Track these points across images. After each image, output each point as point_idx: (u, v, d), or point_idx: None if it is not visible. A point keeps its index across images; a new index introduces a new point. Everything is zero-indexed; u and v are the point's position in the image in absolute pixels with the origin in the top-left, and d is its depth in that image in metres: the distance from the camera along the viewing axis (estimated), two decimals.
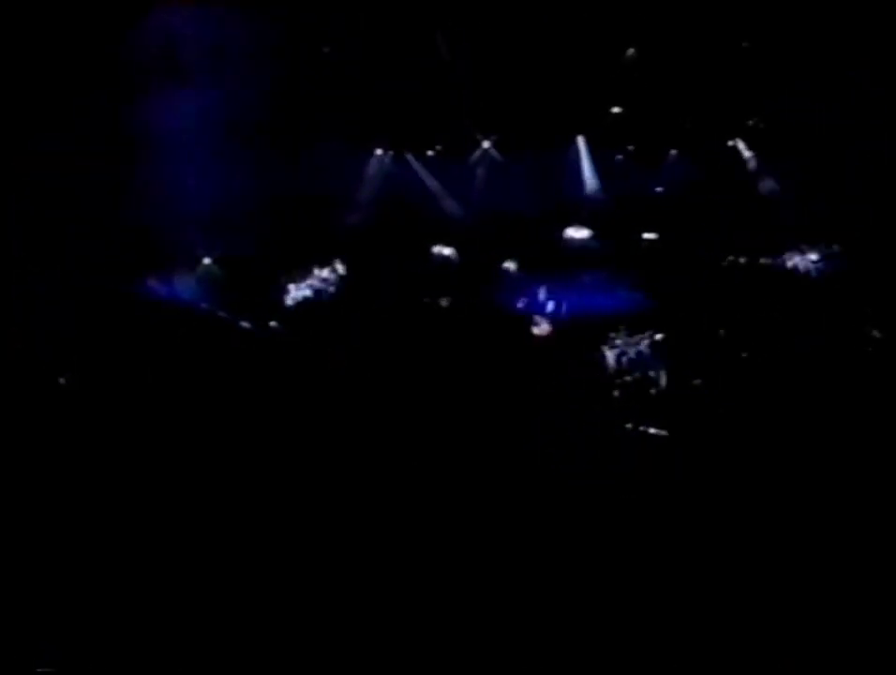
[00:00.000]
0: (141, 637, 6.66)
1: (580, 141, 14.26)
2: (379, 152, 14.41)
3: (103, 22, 12.30)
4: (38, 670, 6.15)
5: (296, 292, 13.61)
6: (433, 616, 6.79)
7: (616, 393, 11.38)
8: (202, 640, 6.60)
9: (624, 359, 12.02)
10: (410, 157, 14.32)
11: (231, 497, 8.77)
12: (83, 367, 11.58)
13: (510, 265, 13.83)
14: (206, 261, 13.75)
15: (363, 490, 8.82)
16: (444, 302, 13.42)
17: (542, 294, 13.10)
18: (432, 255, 14.16)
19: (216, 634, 6.66)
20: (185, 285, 13.38)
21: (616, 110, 14.06)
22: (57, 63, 12.31)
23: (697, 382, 11.87)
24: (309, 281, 13.68)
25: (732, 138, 14.37)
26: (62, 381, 11.62)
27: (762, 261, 13.85)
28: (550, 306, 12.96)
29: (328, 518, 8.25)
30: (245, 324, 12.94)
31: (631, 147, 14.32)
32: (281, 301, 13.56)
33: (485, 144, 14.38)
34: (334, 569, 7.46)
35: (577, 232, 14.11)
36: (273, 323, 13.18)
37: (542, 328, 12.52)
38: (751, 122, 14.08)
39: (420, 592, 7.12)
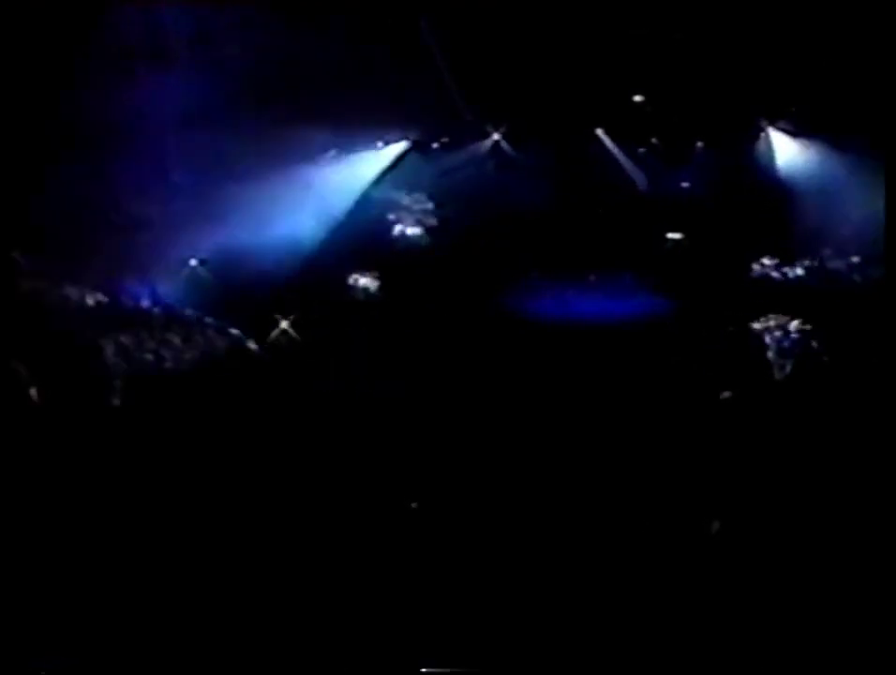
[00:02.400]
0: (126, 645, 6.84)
1: (600, 133, 13.60)
2: (379, 144, 13.75)
3: (88, 14, 12.00)
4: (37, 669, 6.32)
5: (293, 296, 13.20)
6: (433, 615, 7.00)
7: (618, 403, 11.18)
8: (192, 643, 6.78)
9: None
10: (413, 149, 13.73)
11: (220, 513, 8.81)
12: (57, 378, 11.28)
13: (522, 267, 13.39)
14: (192, 263, 13.18)
15: (366, 498, 8.98)
16: (453, 306, 13.07)
17: (557, 297, 12.92)
18: (438, 255, 13.68)
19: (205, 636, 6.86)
20: (169, 289, 12.92)
21: (637, 98, 13.38)
22: (36, 55, 12.02)
23: (727, 394, 11.59)
24: (307, 284, 13.26)
25: (765, 127, 13.63)
26: (34, 393, 11.21)
27: (798, 264, 13.33)
28: (567, 309, 12.81)
29: (327, 525, 8.46)
30: (235, 333, 12.66)
31: (654, 139, 13.69)
32: (276, 306, 13.10)
33: (495, 136, 13.77)
34: (333, 570, 7.67)
35: (595, 232, 13.55)
36: (265, 332, 12.88)
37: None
38: (787, 109, 13.39)
39: (420, 591, 7.32)
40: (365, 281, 13.36)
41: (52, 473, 9.24)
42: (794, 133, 13.52)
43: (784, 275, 13.27)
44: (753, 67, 12.42)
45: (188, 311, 12.70)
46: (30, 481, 9.09)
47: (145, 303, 12.73)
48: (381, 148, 13.76)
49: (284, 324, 12.77)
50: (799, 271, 13.28)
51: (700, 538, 8.24)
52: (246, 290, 12.88)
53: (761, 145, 13.67)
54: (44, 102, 12.15)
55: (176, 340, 12.38)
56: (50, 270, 12.23)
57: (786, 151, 13.59)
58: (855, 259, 13.07)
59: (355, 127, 13.17)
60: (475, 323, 12.69)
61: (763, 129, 13.64)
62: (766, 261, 13.31)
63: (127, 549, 7.92)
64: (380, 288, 13.29)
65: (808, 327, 12.42)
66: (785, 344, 12.32)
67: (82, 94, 12.00)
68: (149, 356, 11.92)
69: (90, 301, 12.47)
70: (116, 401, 11.10)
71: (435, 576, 7.53)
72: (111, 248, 12.42)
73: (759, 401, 11.35)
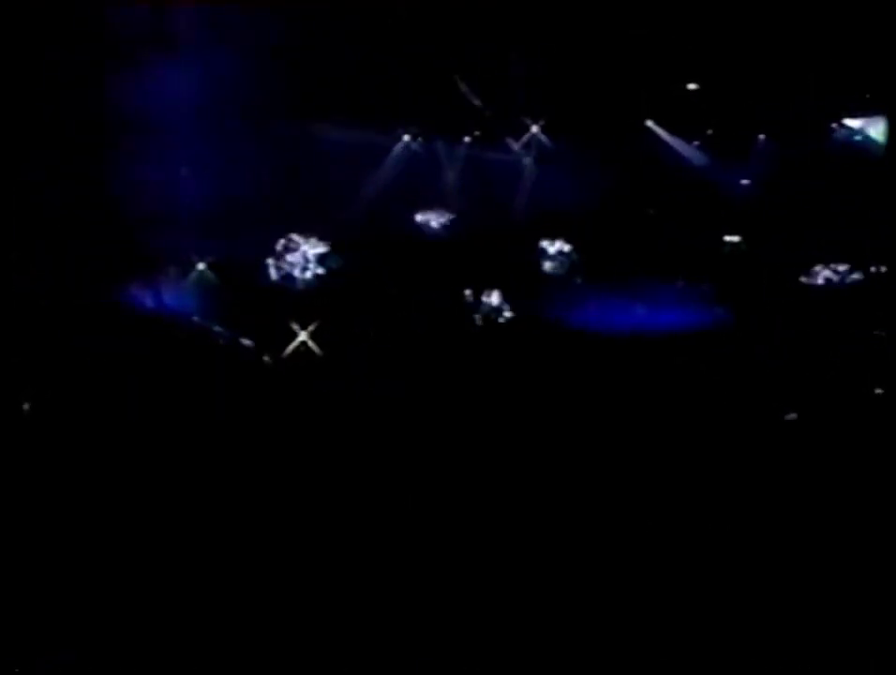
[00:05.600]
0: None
1: (650, 124, 13.34)
2: (406, 138, 13.46)
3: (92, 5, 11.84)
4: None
5: (312, 303, 12.72)
6: (433, 616, 6.96)
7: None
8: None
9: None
10: (442, 143, 13.47)
11: (224, 527, 8.25)
12: (52, 390, 10.69)
13: (560, 271, 13.15)
14: (200, 266, 12.87)
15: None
16: (483, 314, 12.64)
17: (602, 306, 12.51)
18: (470, 257, 13.15)
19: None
20: (174, 294, 12.55)
21: (691, 86, 12.97)
22: (37, 48, 11.82)
23: (792, 416, 10.71)
24: (321, 290, 12.87)
25: (838, 118, 13.10)
26: (26, 406, 10.70)
27: (873, 271, 12.73)
28: (613, 319, 12.33)
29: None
30: (245, 342, 12.10)
31: (710, 131, 13.35)
32: (293, 314, 12.47)
33: (534, 129, 13.42)
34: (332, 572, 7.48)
35: (643, 234, 13.13)
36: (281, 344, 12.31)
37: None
38: (862, 96, 12.78)
39: (420, 592, 7.25)
40: (391, 284, 12.83)
41: (52, 483, 8.76)
42: (869, 123, 12.96)
43: (857, 283, 12.79)
44: (822, 47, 11.99)
45: (195, 319, 12.26)
46: (29, 490, 8.60)
47: (148, 309, 12.32)
48: (407, 142, 13.47)
49: (303, 335, 12.25)
50: (874, 279, 12.74)
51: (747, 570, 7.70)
52: (260, 295, 12.66)
53: (832, 137, 13.21)
54: (45, 97, 11.90)
55: (182, 351, 11.72)
56: (49, 272, 11.85)
57: (861, 144, 13.04)
58: None
59: (379, 119, 12.86)
60: (511, 333, 12.43)
61: (834, 119, 13.17)
62: (836, 267, 12.86)
63: (133, 564, 7.60)
64: (407, 291, 12.77)
65: (886, 341, 11.74)
66: (861, 361, 11.48)
67: (83, 88, 11.82)
68: (152, 368, 11.13)
69: (89, 305, 11.89)
70: (117, 413, 10.31)
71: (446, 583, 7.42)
72: (112, 249, 12.14)
73: (830, 426, 10.43)
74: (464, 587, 7.30)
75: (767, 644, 6.68)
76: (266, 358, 12.10)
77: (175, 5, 11.92)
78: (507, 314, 12.49)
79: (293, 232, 12.56)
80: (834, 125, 13.01)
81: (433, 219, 13.25)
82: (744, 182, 13.15)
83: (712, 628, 6.83)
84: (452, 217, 13.21)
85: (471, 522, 8.28)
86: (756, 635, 6.80)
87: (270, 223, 12.53)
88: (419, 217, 13.23)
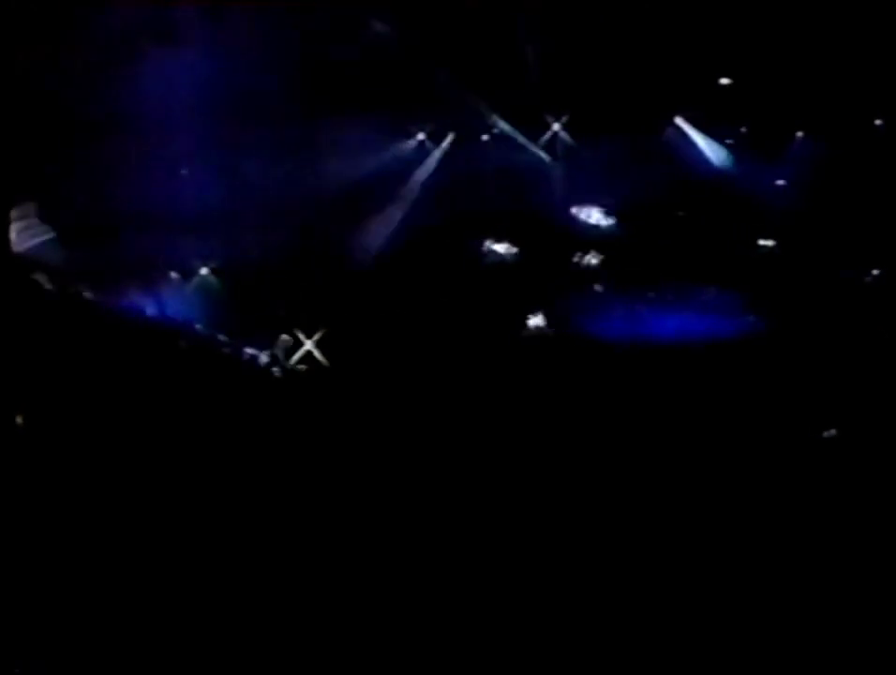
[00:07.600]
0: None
1: (679, 121, 13.20)
2: (420, 137, 13.27)
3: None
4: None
5: (318, 311, 12.67)
6: (433, 616, 7.35)
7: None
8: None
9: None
10: (459, 142, 13.22)
11: (228, 545, 8.59)
12: (46, 402, 10.75)
13: (583, 276, 12.95)
14: (203, 271, 12.84)
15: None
16: (505, 321, 12.61)
17: (628, 313, 12.45)
18: (487, 266, 13.16)
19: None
20: (176, 300, 12.58)
21: (724, 81, 12.74)
22: (36, 42, 11.89)
23: (831, 432, 10.96)
24: (329, 295, 12.70)
25: (880, 115, 12.77)
26: (19, 420, 10.77)
27: None
28: (639, 327, 12.33)
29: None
30: (249, 351, 12.05)
31: (743, 128, 13.07)
32: (299, 323, 12.54)
33: (555, 126, 13.26)
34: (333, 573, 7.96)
35: (672, 237, 13.03)
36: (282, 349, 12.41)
37: None
38: None
39: (420, 593, 7.68)
40: (402, 290, 12.79)
41: (52, 495, 9.05)
42: None
43: None
44: (863, 39, 11.90)
45: (197, 326, 12.30)
46: (29, 501, 8.88)
47: (148, 316, 12.33)
48: (421, 141, 13.37)
49: (308, 344, 12.35)
50: None
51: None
52: (265, 303, 12.58)
53: (873, 136, 12.93)
54: (45, 98, 12.00)
55: (183, 360, 11.80)
56: (48, 275, 11.93)
57: None
58: None
59: (391, 116, 12.82)
60: (527, 343, 12.45)
61: (876, 116, 12.92)
62: (876, 273, 12.61)
63: (136, 571, 8.02)
64: (419, 298, 12.71)
65: None
66: None
67: (83, 88, 11.95)
68: (152, 378, 11.19)
69: (87, 310, 11.99)
70: (118, 425, 10.46)
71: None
72: (110, 252, 12.20)
73: (871, 442, 10.46)
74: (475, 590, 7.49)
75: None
76: (274, 369, 12.19)
77: (177, 3, 12.02)
78: (532, 322, 12.52)
79: (298, 233, 12.49)
80: (877, 122, 12.83)
81: (448, 223, 13.18)
82: (780, 183, 12.98)
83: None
84: (469, 219, 13.13)
85: (494, 532, 8.41)
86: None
87: (275, 225, 12.39)
88: (432, 220, 13.16)
